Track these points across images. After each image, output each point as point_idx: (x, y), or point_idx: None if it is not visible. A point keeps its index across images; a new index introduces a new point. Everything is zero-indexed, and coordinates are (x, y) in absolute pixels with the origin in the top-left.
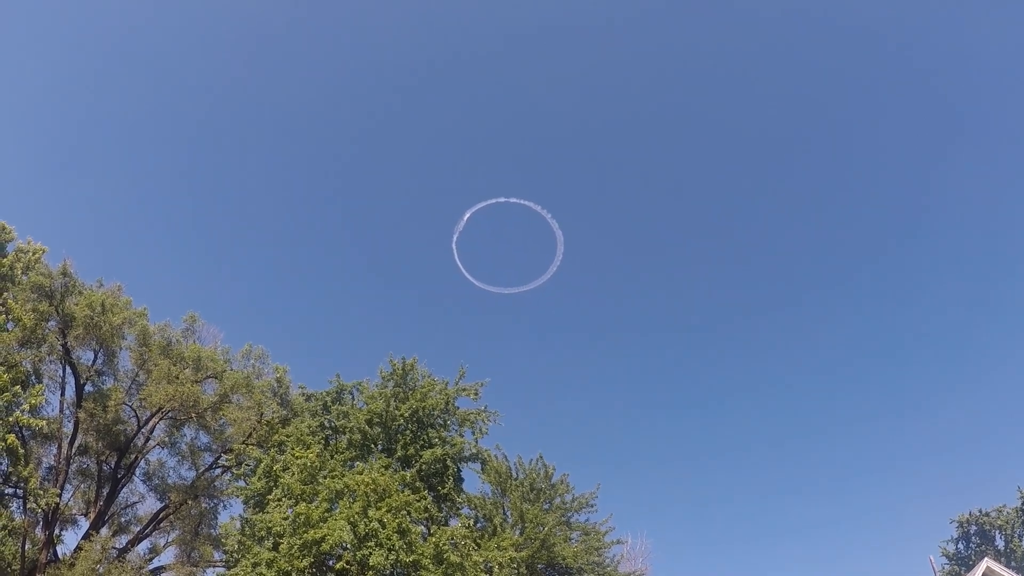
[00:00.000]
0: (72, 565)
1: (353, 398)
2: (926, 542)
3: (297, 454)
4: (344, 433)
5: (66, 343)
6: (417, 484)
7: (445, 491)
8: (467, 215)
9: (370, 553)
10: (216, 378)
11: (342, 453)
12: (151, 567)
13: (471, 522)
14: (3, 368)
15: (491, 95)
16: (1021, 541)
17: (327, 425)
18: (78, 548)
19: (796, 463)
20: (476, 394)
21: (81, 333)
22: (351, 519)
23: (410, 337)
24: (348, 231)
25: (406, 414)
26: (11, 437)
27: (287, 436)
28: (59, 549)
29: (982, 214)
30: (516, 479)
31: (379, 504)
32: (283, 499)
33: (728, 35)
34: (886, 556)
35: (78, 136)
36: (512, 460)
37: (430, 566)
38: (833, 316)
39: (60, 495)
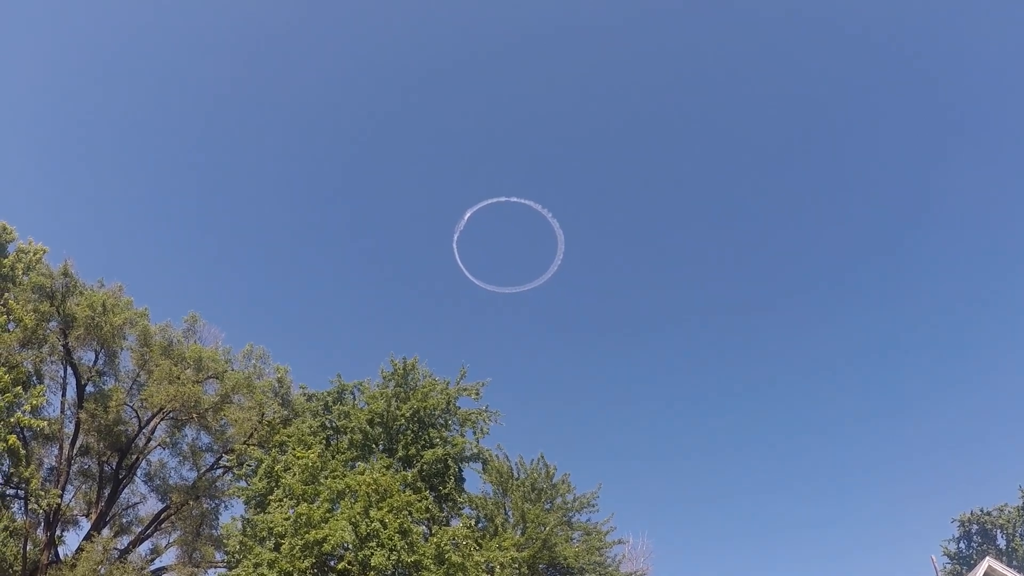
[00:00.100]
0: (74, 566)
1: (354, 398)
2: (927, 541)
3: (298, 454)
4: (345, 433)
5: (67, 344)
6: (418, 484)
7: (446, 491)
8: (468, 214)
9: (372, 553)
10: (217, 378)
11: (343, 453)
12: (152, 568)
13: (472, 522)
14: (4, 369)
15: (492, 95)
16: (1023, 540)
17: (328, 425)
18: (79, 549)
19: (797, 462)
20: (477, 394)
21: (82, 334)
22: (352, 519)
23: (411, 337)
24: (349, 231)
25: (407, 414)
26: (12, 438)
27: (288, 436)
28: (60, 550)
29: (982, 214)
30: (517, 479)
31: (380, 504)
32: (284, 499)
33: (728, 35)
34: (887, 555)
35: (79, 136)
36: (513, 460)
37: (431, 566)
38: (834, 315)
39: (61, 496)
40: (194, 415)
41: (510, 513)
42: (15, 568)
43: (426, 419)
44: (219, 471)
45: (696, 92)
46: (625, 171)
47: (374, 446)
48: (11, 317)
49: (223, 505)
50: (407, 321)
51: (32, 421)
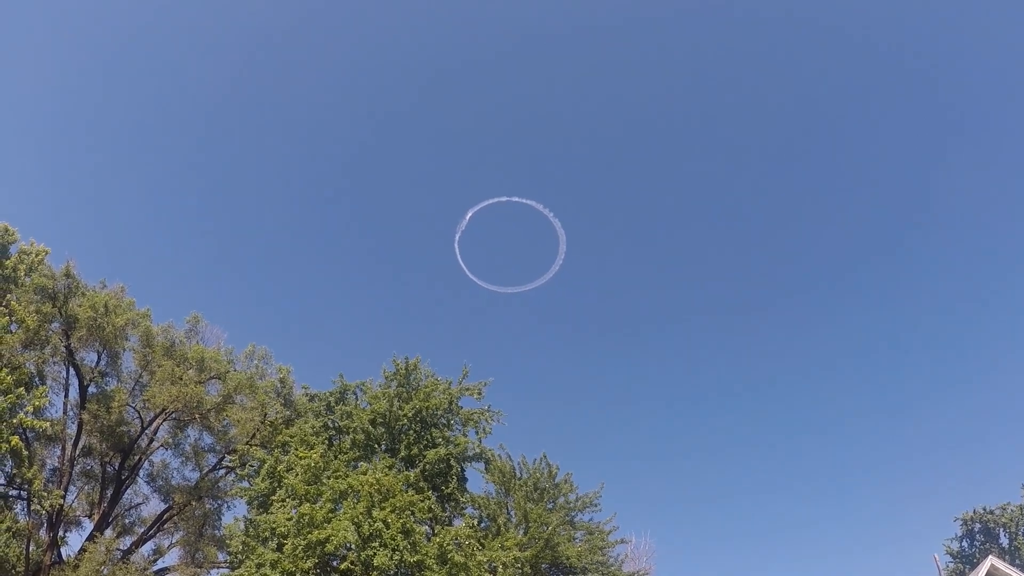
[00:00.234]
0: (76, 567)
1: (356, 398)
2: (930, 540)
3: (301, 455)
4: (348, 433)
5: (69, 345)
6: (421, 484)
7: (449, 491)
8: (469, 214)
9: (374, 553)
10: (220, 379)
11: (346, 453)
12: (155, 568)
13: (475, 522)
14: (7, 370)
15: (493, 96)
16: None
17: (331, 425)
18: (82, 550)
19: (797, 462)
20: (479, 394)
21: (84, 335)
22: (355, 519)
23: (413, 337)
24: (351, 231)
25: (409, 414)
26: (15, 439)
27: (291, 437)
28: (63, 551)
29: (982, 214)
30: (520, 479)
31: (383, 504)
32: (287, 500)
33: (728, 36)
34: (890, 554)
35: (80, 137)
36: (516, 460)
37: (434, 566)
38: (834, 315)
39: (64, 497)
40: (196, 416)
41: (512, 513)
42: (18, 569)
43: (428, 419)
44: (221, 471)
45: (696, 92)
46: (626, 171)
47: (376, 446)
48: (13, 318)
49: (226, 505)
50: (409, 321)
51: (35, 422)
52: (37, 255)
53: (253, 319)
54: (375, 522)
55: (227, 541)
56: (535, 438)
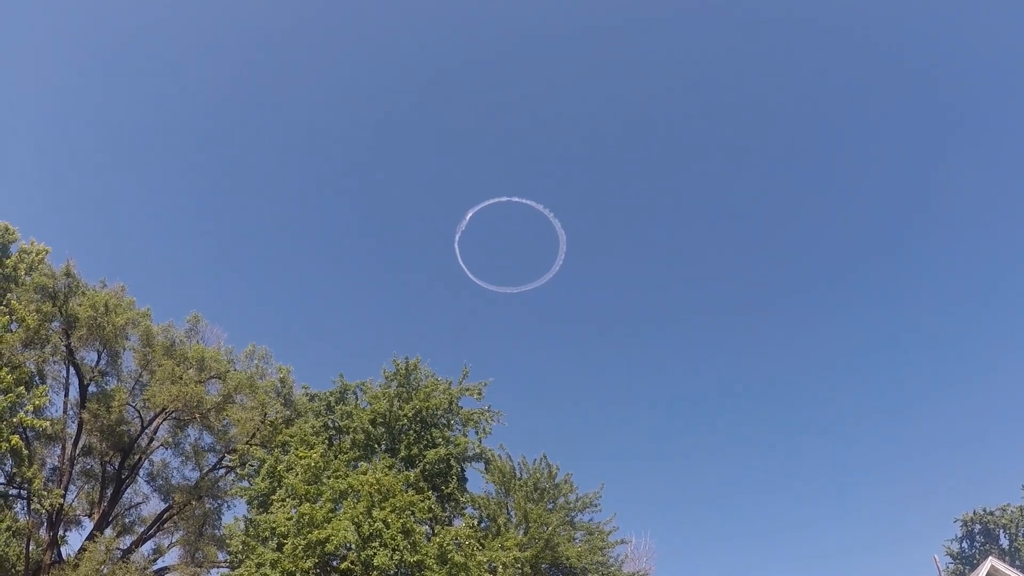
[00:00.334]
0: (76, 566)
1: (357, 398)
2: (929, 541)
3: (301, 454)
4: (348, 433)
5: (70, 344)
6: (421, 484)
7: (449, 491)
8: (469, 214)
9: (374, 553)
10: (220, 378)
11: (346, 453)
12: (155, 568)
13: (475, 522)
14: (7, 369)
15: (494, 96)
16: None
17: (331, 425)
18: (82, 549)
19: (800, 462)
20: (479, 394)
21: (85, 334)
22: (355, 519)
23: (413, 337)
24: (351, 231)
25: (410, 414)
26: (15, 438)
27: (291, 436)
28: (63, 550)
29: (982, 214)
30: (520, 479)
31: (383, 504)
32: (287, 499)
33: (728, 36)
34: (890, 555)
35: (81, 136)
36: (516, 460)
37: (434, 566)
38: (834, 315)
39: (64, 496)
40: (197, 415)
41: (512, 513)
42: (18, 568)
43: (428, 419)
44: (221, 471)
45: (697, 92)
46: (626, 171)
47: (376, 446)
48: (14, 317)
49: (226, 505)
50: (409, 321)
51: (35, 421)
52: (37, 254)
53: (253, 319)
54: (375, 522)
55: (227, 541)
56: (535, 438)
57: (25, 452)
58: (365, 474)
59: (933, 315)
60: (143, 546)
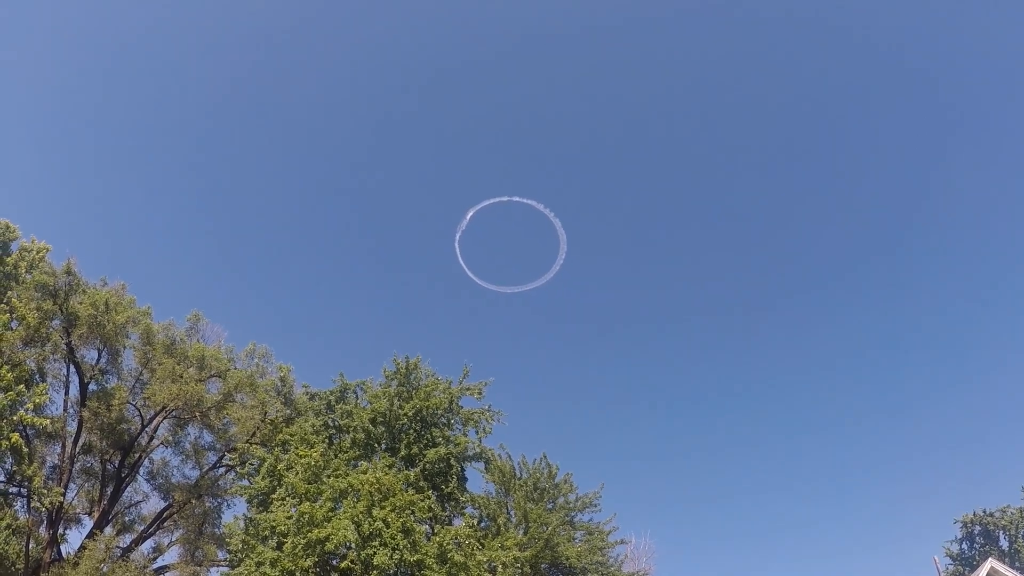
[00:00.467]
0: (76, 564)
1: (357, 397)
2: (930, 542)
3: (301, 453)
4: (348, 432)
5: (70, 342)
6: (421, 483)
7: (449, 490)
8: (470, 214)
9: (374, 552)
10: (220, 377)
11: (346, 452)
12: (155, 566)
13: (475, 521)
14: (7, 367)
15: (494, 95)
16: None
17: (331, 424)
18: (82, 547)
19: (800, 462)
20: (480, 393)
21: (85, 332)
22: (355, 518)
23: (413, 336)
24: (351, 230)
25: (410, 413)
26: (15, 436)
27: (291, 435)
28: (63, 548)
29: (982, 214)
30: (520, 478)
31: (383, 503)
32: (287, 498)
33: (728, 36)
34: (890, 556)
35: (82, 135)
36: (516, 459)
37: (434, 565)
38: (834, 315)
39: (64, 494)
40: (197, 414)
41: (512, 513)
42: (17, 566)
43: (429, 418)
44: (221, 470)
45: (697, 92)
46: (627, 171)
47: (377, 445)
48: (14, 315)
49: (225, 504)
50: (410, 320)
51: (35, 419)
52: (38, 252)
53: (254, 318)
54: (375, 521)
55: (227, 539)
56: (535, 438)
57: (25, 450)
58: (365, 473)
59: (933, 315)
60: (143, 544)
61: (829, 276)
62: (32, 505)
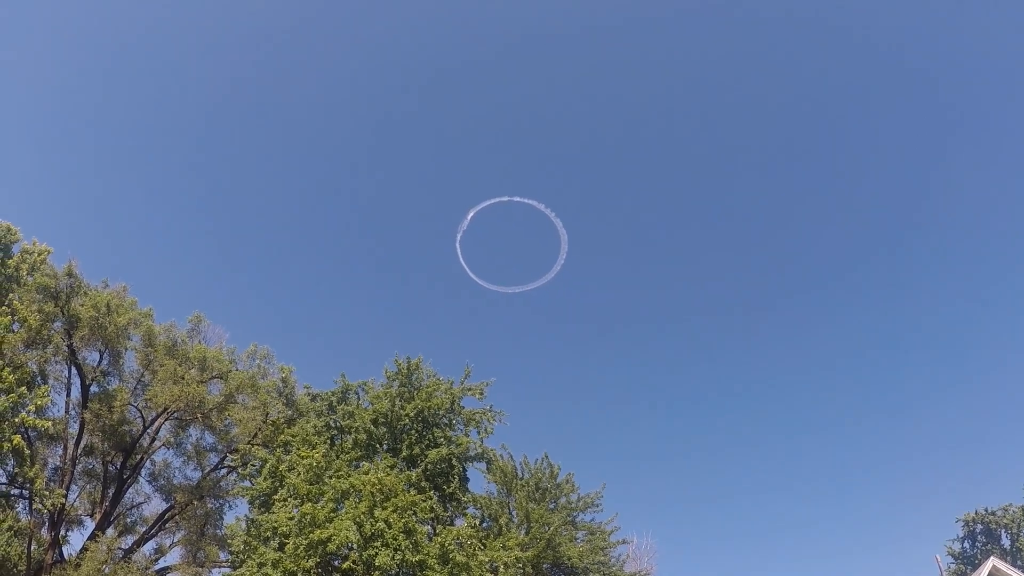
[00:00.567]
0: (78, 566)
1: (358, 398)
2: (931, 541)
3: (303, 454)
4: (350, 433)
5: (72, 344)
6: (423, 484)
7: (450, 491)
8: (471, 214)
9: (376, 553)
10: (221, 378)
11: (348, 453)
12: (157, 567)
13: (477, 522)
14: (9, 369)
15: (495, 95)
16: None
17: (332, 425)
18: (84, 549)
19: (800, 462)
20: (481, 394)
21: (87, 334)
22: (357, 519)
23: (415, 337)
24: (352, 231)
25: (411, 414)
26: (17, 438)
27: (293, 436)
28: (65, 550)
29: (982, 214)
30: (521, 479)
31: (385, 504)
32: (289, 499)
33: (729, 35)
34: (891, 555)
35: (83, 136)
36: (517, 460)
37: (436, 566)
38: (834, 315)
39: (66, 496)
40: (198, 415)
41: (514, 513)
42: (19, 568)
43: (430, 419)
44: (223, 471)
45: (697, 92)
46: (627, 171)
47: (378, 446)
48: (16, 317)
49: (227, 505)
50: (411, 321)
51: (37, 421)
52: (39, 254)
53: (255, 319)
54: (377, 522)
55: (229, 540)
56: (537, 438)
57: (27, 452)
58: (367, 474)
59: (933, 315)
60: (145, 546)
61: (829, 276)
62: (34, 507)
